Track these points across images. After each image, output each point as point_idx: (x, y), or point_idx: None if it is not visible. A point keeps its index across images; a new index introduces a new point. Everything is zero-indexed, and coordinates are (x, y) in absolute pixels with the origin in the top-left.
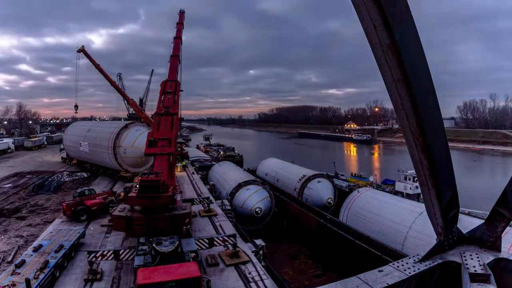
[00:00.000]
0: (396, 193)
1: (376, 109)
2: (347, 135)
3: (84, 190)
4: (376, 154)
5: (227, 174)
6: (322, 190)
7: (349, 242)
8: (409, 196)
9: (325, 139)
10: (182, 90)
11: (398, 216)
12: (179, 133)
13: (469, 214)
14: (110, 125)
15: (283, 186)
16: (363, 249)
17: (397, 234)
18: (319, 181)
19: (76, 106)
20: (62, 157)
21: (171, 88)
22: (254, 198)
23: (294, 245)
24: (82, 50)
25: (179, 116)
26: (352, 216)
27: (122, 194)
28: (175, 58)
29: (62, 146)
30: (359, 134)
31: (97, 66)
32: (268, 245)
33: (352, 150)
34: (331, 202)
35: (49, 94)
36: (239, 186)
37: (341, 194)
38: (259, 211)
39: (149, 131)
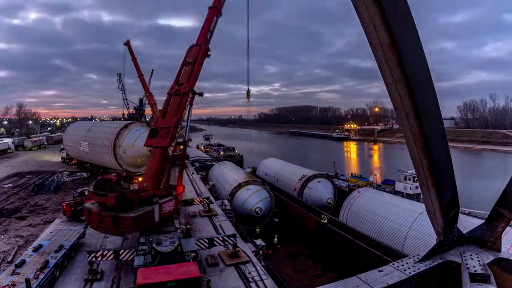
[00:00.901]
0: (396, 193)
1: (376, 109)
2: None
3: (84, 190)
4: (375, 154)
5: (227, 174)
6: (322, 190)
7: (349, 242)
8: (409, 196)
9: (311, 136)
10: (209, 55)
11: (398, 216)
12: (178, 130)
13: (469, 214)
14: (110, 125)
15: (283, 186)
16: (363, 249)
17: (397, 234)
18: (319, 181)
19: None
20: (62, 157)
21: (192, 57)
22: (254, 198)
23: (294, 245)
24: (127, 44)
25: (195, 92)
26: (352, 216)
27: None
28: (212, 11)
29: (62, 146)
30: (338, 133)
31: (134, 59)
32: (268, 245)
33: (335, 146)
34: (331, 202)
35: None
36: (239, 186)
37: (341, 194)
38: (259, 211)
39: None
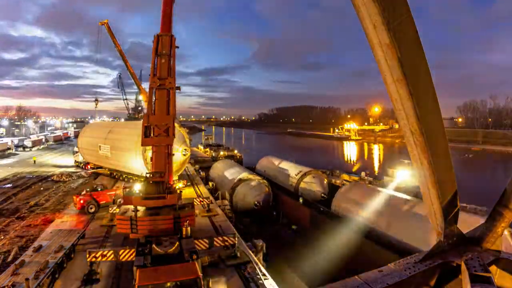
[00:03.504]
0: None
1: (376, 109)
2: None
3: (97, 187)
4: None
5: (228, 171)
6: (316, 185)
7: (340, 231)
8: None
9: (311, 137)
10: (178, 47)
11: (382, 206)
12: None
13: (466, 208)
14: (135, 126)
15: (281, 182)
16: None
17: (381, 221)
18: (314, 177)
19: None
20: (75, 160)
21: (165, 48)
22: (254, 192)
23: (291, 236)
24: (105, 23)
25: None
26: (342, 207)
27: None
28: None
29: (75, 149)
30: (338, 134)
31: (117, 45)
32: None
33: (336, 146)
34: (325, 196)
35: None
36: (240, 181)
37: (335, 189)
38: (258, 204)
39: (145, 114)
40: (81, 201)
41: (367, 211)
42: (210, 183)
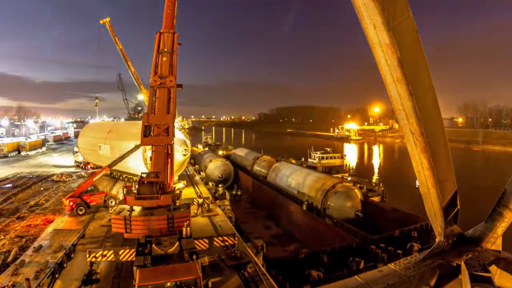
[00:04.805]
0: (308, 166)
1: (377, 109)
2: (333, 134)
3: (91, 188)
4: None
5: (207, 157)
6: (264, 166)
7: (274, 193)
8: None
9: (311, 137)
10: (180, 44)
11: (295, 177)
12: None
13: None
14: (135, 126)
15: (244, 164)
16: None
17: (294, 186)
18: (264, 160)
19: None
20: (75, 160)
21: (167, 45)
22: (219, 169)
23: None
24: (106, 22)
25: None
26: (275, 177)
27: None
28: None
29: (75, 149)
30: (339, 134)
31: (118, 43)
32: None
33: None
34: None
35: None
36: (210, 161)
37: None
38: (221, 177)
39: (145, 113)
40: (70, 203)
41: (287, 180)
42: (210, 183)
